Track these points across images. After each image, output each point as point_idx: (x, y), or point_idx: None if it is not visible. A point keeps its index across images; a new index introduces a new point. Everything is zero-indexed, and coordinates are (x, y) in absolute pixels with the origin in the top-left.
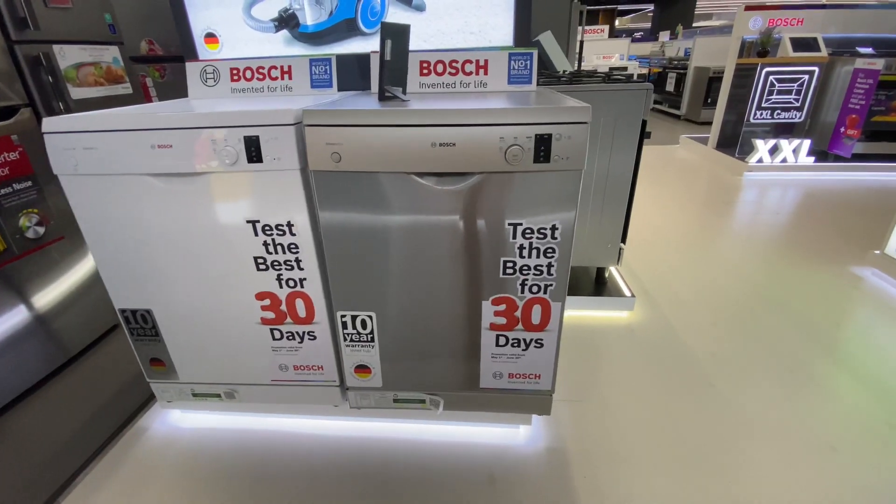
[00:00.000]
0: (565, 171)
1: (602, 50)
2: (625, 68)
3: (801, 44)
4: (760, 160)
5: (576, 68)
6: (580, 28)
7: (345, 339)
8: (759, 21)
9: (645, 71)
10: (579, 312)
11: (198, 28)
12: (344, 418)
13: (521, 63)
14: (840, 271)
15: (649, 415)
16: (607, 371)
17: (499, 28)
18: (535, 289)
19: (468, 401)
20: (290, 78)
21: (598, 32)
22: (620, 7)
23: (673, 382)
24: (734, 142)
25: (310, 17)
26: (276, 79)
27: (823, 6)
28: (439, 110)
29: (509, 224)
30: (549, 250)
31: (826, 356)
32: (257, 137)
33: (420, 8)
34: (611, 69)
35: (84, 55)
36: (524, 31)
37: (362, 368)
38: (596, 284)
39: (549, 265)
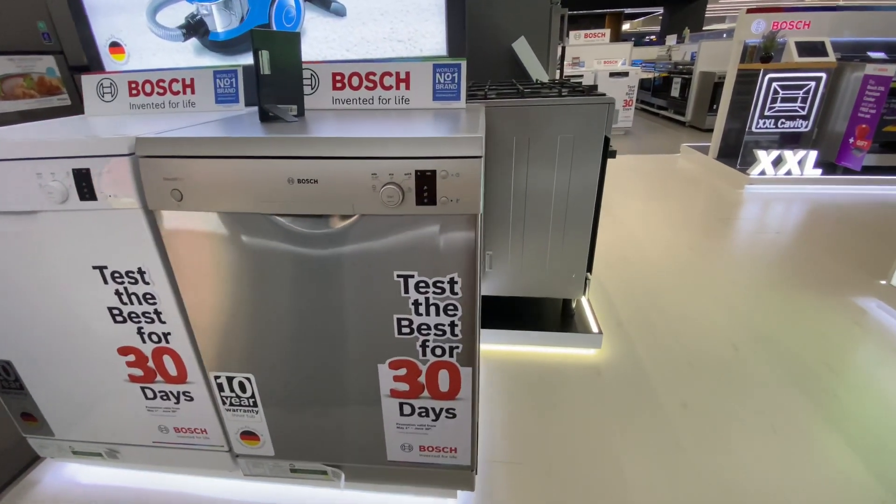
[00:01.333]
0: (456, 215)
1: (603, 55)
2: (626, 73)
3: (807, 48)
4: (763, 172)
5: (559, 77)
6: (579, 33)
7: (224, 403)
8: (762, 24)
9: (650, 76)
10: (541, 349)
11: (102, 37)
12: (248, 480)
13: (448, 76)
14: (841, 303)
15: (601, 485)
16: (561, 424)
17: (430, 35)
18: (438, 351)
19: (376, 474)
20: (192, 92)
21: (599, 37)
22: (628, 10)
23: (635, 442)
24: (736, 152)
25: (219, 24)
26: (177, 93)
27: (832, 8)
28: (297, 139)
29: (399, 276)
30: (450, 307)
31: (817, 410)
32: (87, 171)
33: (340, 13)
34: (571, 80)
35: (10, 66)
36: (458, 38)
37: (249, 435)
38: (562, 317)
39: (453, 324)
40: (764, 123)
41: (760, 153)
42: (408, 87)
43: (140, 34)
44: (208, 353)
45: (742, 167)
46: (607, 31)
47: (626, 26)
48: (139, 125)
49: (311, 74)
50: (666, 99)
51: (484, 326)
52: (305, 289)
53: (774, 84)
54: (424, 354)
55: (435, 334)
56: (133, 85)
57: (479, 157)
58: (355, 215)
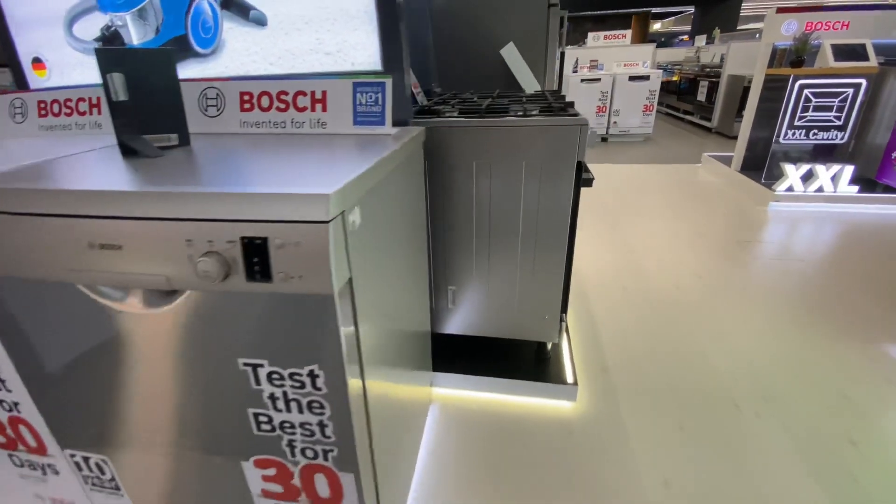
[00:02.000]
0: (302, 295)
1: (624, 57)
2: (646, 77)
3: (844, 51)
4: (790, 188)
5: (558, 85)
6: (598, 34)
7: (86, 482)
8: (794, 25)
9: (675, 78)
10: (510, 398)
11: (25, 51)
12: None
13: (370, 97)
14: (872, 354)
15: None
16: (512, 499)
17: (361, 47)
18: (309, 453)
19: None
20: (98, 112)
21: (619, 38)
22: (655, 10)
23: None
24: (761, 164)
25: (135, 36)
26: (84, 113)
27: (876, 6)
28: (95, 192)
29: (245, 365)
30: (315, 405)
31: (830, 499)
32: None
33: (260, 22)
34: (560, 93)
35: None
36: (394, 50)
37: None
38: (536, 361)
39: (322, 424)
40: (793, 134)
41: (788, 167)
42: (324, 109)
43: (59, 48)
44: (58, 428)
45: (767, 181)
46: (628, 33)
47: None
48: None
49: (217, 94)
50: (692, 103)
51: (444, 369)
52: (140, 371)
53: (806, 91)
54: (293, 455)
55: (302, 434)
56: (42, 105)
57: (326, 221)
58: (185, 290)
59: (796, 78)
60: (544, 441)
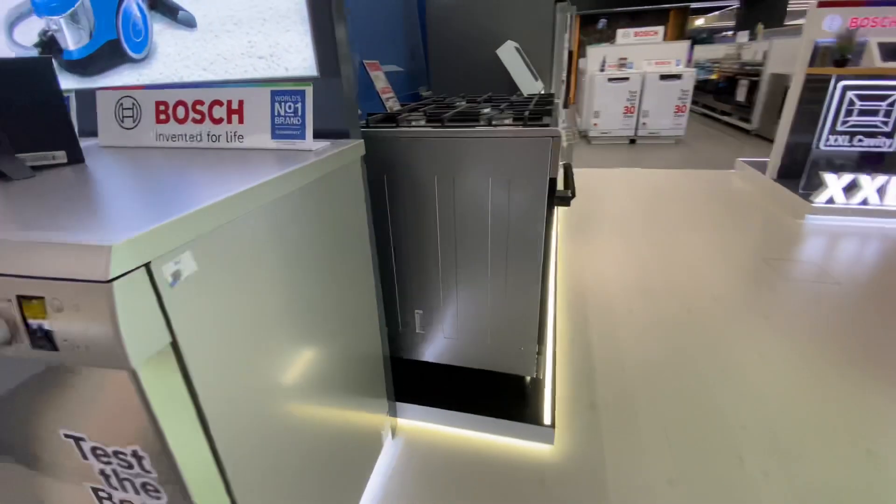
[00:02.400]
0: (96, 369)
1: (655, 54)
2: (679, 76)
3: (892, 51)
4: (830, 200)
5: (566, 87)
6: (628, 31)
7: None
8: (838, 21)
9: (715, 77)
10: (482, 436)
11: None
12: None
13: (289, 107)
14: None
15: None
16: None
17: (294, 50)
18: None
19: None
20: None
21: (651, 34)
22: (696, 4)
23: None
24: (799, 172)
25: (71, 41)
26: None
27: None
28: None
29: (66, 436)
30: (150, 487)
31: None
32: None
33: (189, 23)
34: (552, 97)
35: None
36: (328, 53)
37: None
38: (514, 395)
39: None
40: (835, 140)
41: (829, 176)
42: (241, 121)
43: (2, 53)
44: None
45: (805, 192)
46: (660, 29)
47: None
48: None
49: (133, 104)
50: (730, 103)
51: (411, 399)
52: None
53: (850, 93)
54: None
55: None
56: None
57: (105, 281)
58: None
59: (839, 78)
60: (511, 490)
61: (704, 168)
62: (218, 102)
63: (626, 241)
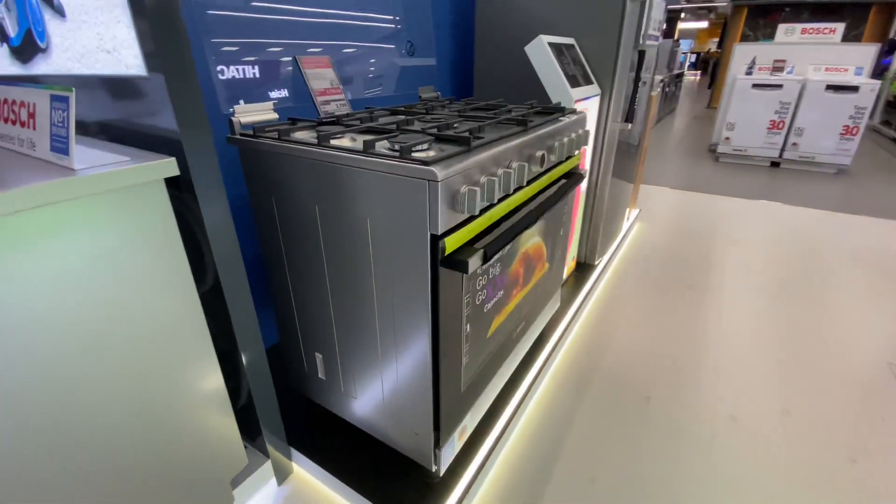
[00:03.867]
0: None
1: (827, 59)
2: (855, 88)
3: None
4: None
5: (630, 94)
6: (793, 27)
7: None
8: None
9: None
10: None
11: None
12: None
13: (59, 114)
14: None
15: None
16: None
17: (126, 44)
18: None
19: None
20: None
21: (825, 33)
22: None
23: None
24: None
25: (10, 28)
26: None
27: None
28: None
29: None
30: None
31: None
32: None
33: (60, 12)
34: (565, 109)
35: None
36: (155, 46)
37: None
38: (418, 483)
39: None
40: None
41: None
42: (34, 127)
43: None
44: None
45: None
46: (839, 27)
47: None
48: None
49: None
50: None
51: (309, 452)
52: None
53: None
54: None
55: None
56: None
57: None
58: None
59: None
60: None
61: (874, 215)
62: (14, 103)
63: (747, 317)
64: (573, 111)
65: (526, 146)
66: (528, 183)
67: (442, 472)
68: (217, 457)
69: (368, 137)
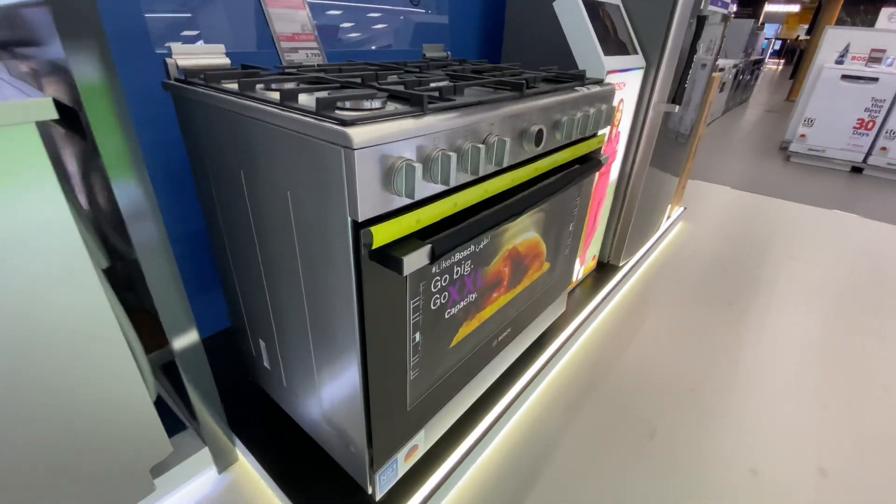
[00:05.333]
0: None
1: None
2: None
3: None
4: None
5: (682, 71)
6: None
7: None
8: None
9: None
10: None
11: None
12: None
13: None
14: None
15: None
16: None
17: None
18: None
19: None
20: None
21: None
22: None
23: None
24: None
25: None
26: None
27: None
28: None
29: None
30: None
31: None
32: None
33: None
34: (585, 76)
35: None
36: None
37: None
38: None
39: None
40: None
41: None
42: None
43: None
44: None
45: None
46: None
47: None
48: None
49: None
50: None
51: (252, 446)
52: None
53: None
54: None
55: None
56: None
57: None
58: None
59: None
60: None
61: None
62: None
63: (792, 348)
64: (598, 81)
65: (516, 117)
66: (519, 165)
67: (379, 496)
68: (131, 446)
69: (303, 87)
